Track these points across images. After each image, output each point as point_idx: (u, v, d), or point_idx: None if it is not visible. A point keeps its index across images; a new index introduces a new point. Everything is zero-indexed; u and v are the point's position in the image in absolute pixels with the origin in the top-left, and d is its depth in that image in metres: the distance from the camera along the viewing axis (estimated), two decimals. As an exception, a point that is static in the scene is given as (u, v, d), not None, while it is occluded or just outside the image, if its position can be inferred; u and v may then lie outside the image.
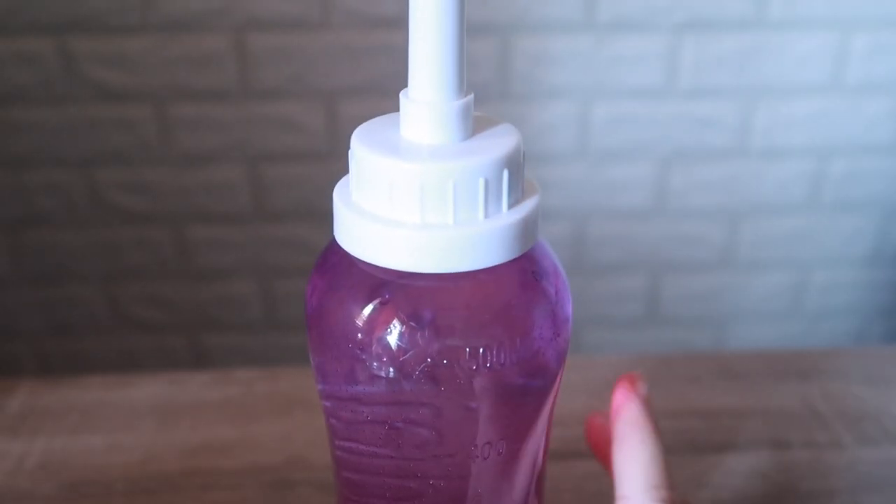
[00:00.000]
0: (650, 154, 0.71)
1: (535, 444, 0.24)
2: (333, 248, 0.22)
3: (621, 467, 0.25)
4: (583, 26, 0.65)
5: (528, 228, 0.20)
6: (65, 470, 0.39)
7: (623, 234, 0.74)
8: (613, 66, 0.67)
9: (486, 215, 0.20)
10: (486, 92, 0.66)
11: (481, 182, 0.19)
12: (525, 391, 0.22)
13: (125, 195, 0.70)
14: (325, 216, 0.70)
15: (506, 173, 0.20)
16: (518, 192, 0.21)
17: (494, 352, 0.20)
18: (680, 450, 0.40)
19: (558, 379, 0.23)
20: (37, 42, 0.64)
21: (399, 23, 0.62)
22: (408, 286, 0.20)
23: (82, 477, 0.39)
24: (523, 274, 0.21)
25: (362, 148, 0.20)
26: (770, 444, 0.40)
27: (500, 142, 0.20)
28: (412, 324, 0.20)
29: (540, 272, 0.22)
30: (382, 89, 0.65)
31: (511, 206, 0.20)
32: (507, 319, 0.21)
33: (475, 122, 0.21)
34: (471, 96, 0.20)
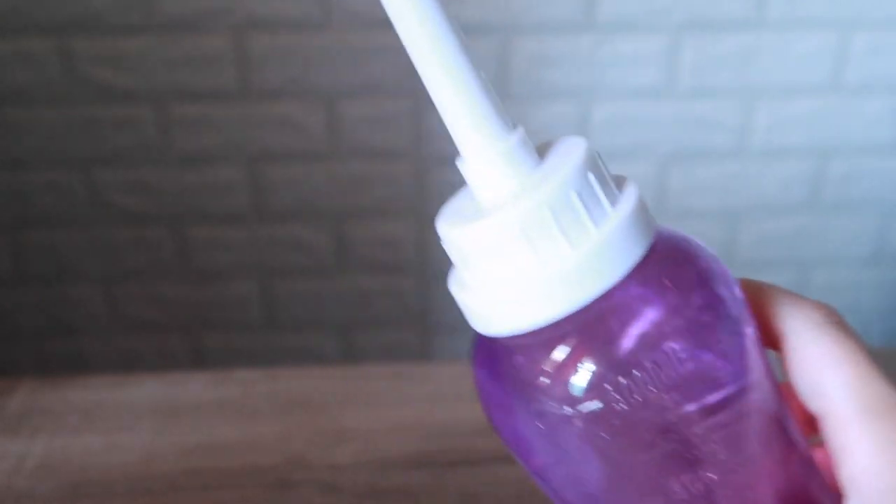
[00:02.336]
0: (650, 154, 0.71)
1: (763, 470, 0.20)
2: (479, 339, 0.20)
3: (814, 374, 0.20)
4: (583, 26, 0.65)
5: (643, 213, 0.19)
6: (65, 470, 0.39)
7: (623, 234, 0.74)
8: (613, 67, 0.67)
9: (597, 224, 0.18)
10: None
11: (574, 196, 0.18)
12: (715, 403, 0.19)
13: (125, 195, 0.70)
14: (324, 216, 0.70)
15: (591, 176, 0.19)
16: (611, 189, 0.19)
17: (669, 361, 0.19)
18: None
19: (761, 380, 0.20)
20: (37, 42, 0.64)
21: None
22: (556, 336, 0.19)
23: (82, 477, 0.39)
24: (657, 276, 0.19)
25: (451, 229, 0.19)
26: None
27: (570, 151, 0.19)
28: (588, 371, 0.19)
29: (674, 265, 0.20)
30: (382, 89, 0.65)
31: (613, 203, 0.19)
32: (666, 324, 0.19)
33: (536, 147, 0.20)
34: (520, 127, 0.19)
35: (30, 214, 0.70)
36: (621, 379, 0.18)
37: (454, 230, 0.19)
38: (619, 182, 0.20)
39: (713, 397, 0.19)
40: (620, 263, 0.18)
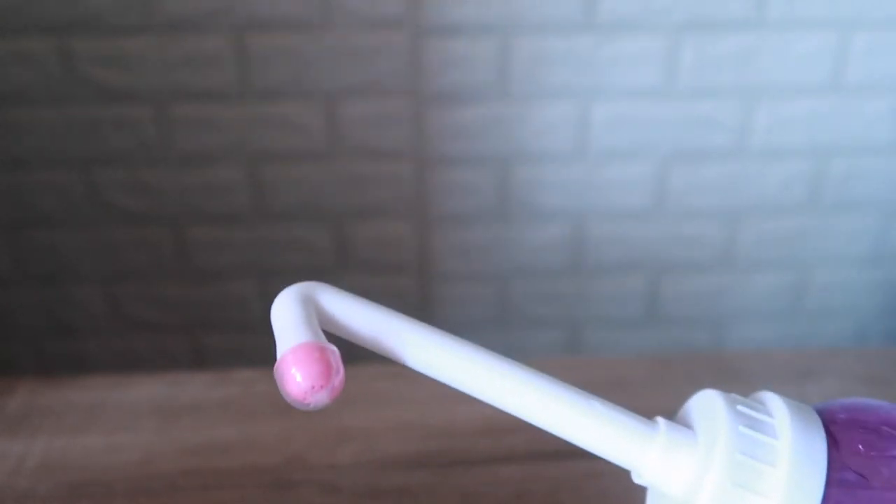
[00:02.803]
0: (650, 154, 0.71)
1: None
2: None
3: None
4: (583, 26, 0.65)
5: (800, 417, 0.20)
6: (65, 470, 0.39)
7: (623, 234, 0.74)
8: (613, 67, 0.67)
9: (773, 464, 0.20)
10: (486, 92, 0.66)
11: (741, 457, 0.20)
12: None
13: (125, 195, 0.70)
14: (324, 216, 0.70)
15: (743, 429, 0.20)
16: (763, 422, 0.21)
17: None
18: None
19: None
20: (37, 42, 0.64)
21: (399, 23, 0.62)
22: None
23: (82, 477, 0.39)
24: (850, 460, 0.20)
25: None
26: (770, 444, 0.40)
27: (714, 414, 0.21)
28: None
29: (858, 434, 0.21)
30: (382, 89, 0.65)
31: (773, 434, 0.20)
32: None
33: (676, 419, 0.22)
34: (657, 418, 0.21)
35: (30, 214, 0.70)
36: None
37: None
38: (762, 404, 0.22)
39: None
40: (814, 480, 0.20)
